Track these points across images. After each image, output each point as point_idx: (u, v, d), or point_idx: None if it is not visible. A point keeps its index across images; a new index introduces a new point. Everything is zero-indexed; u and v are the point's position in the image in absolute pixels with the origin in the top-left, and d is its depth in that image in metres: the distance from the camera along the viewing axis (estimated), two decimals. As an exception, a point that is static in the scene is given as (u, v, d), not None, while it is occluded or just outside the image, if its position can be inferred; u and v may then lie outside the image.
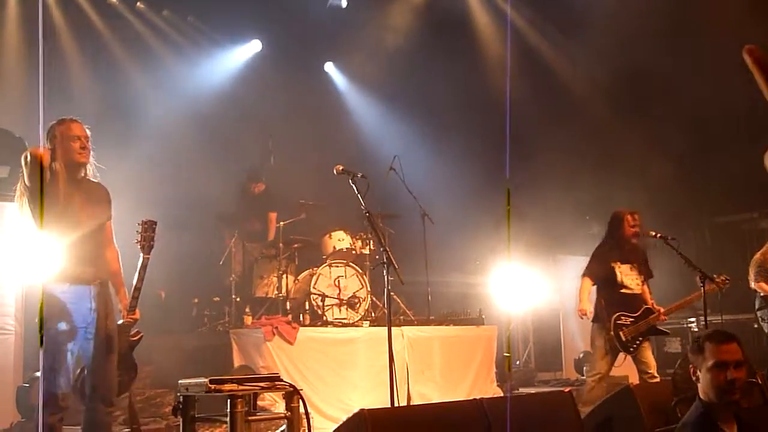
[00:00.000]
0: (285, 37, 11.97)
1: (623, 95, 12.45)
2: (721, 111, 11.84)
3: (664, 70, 11.86)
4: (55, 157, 5.02)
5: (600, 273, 7.95)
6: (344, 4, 12.16)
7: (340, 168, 6.09)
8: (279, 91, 11.97)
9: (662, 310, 7.87)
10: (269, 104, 11.73)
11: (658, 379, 7.75)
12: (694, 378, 3.93)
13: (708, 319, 8.29)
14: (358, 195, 5.97)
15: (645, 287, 8.06)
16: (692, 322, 12.51)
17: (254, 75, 12.07)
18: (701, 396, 3.92)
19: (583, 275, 8.04)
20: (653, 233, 8.50)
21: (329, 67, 12.94)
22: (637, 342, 7.82)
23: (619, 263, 7.92)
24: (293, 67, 12.37)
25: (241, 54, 12.22)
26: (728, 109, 11.76)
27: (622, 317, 7.77)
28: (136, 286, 5.31)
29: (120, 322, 5.32)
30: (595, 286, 8.02)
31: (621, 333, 7.77)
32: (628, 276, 7.92)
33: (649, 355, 7.90)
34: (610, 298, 7.83)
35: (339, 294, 9.15)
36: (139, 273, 5.33)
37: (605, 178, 12.57)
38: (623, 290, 7.87)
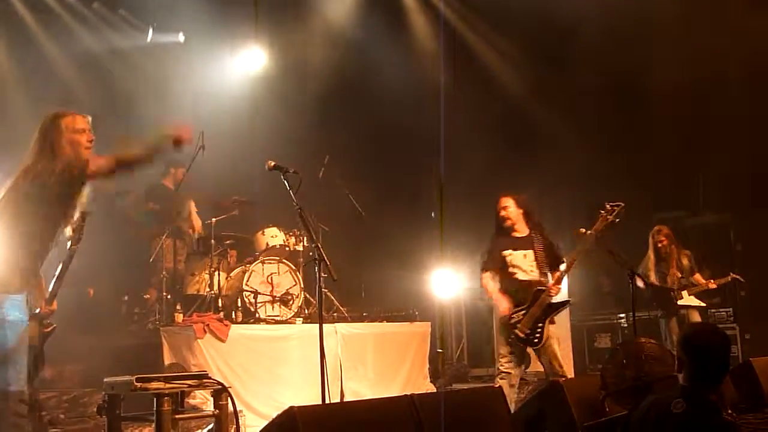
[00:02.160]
0: (212, 29, 11.80)
1: (569, 92, 12.57)
2: (651, 109, 12.07)
3: (610, 66, 12.00)
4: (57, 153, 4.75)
5: (495, 264, 7.56)
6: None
7: (272, 164, 6.03)
8: (209, 85, 11.84)
9: (551, 284, 7.44)
10: (200, 99, 11.58)
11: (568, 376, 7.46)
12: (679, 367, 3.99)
13: (636, 315, 8.42)
14: (290, 191, 5.93)
15: (553, 274, 7.59)
16: (622, 318, 12.74)
17: (184, 68, 11.90)
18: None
19: (482, 270, 7.65)
20: (582, 230, 8.62)
21: (260, 61, 12.80)
22: (539, 331, 7.38)
23: (511, 251, 7.53)
24: (224, 61, 12.27)
25: (171, 47, 12.02)
26: (657, 107, 11.98)
27: (515, 314, 7.36)
28: (57, 275, 5.13)
29: (36, 311, 5.13)
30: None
31: (518, 330, 7.36)
32: (522, 263, 7.51)
33: (555, 351, 7.51)
34: (506, 289, 7.46)
35: (272, 291, 9.09)
36: (63, 263, 5.15)
37: (548, 174, 12.70)
38: (517, 278, 7.46)
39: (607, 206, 7.48)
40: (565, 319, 13.31)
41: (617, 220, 7.56)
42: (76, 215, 4.88)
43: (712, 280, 10.18)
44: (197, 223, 9.94)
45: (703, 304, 10.21)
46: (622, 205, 7.47)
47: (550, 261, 7.58)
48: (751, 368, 8.23)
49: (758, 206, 12.04)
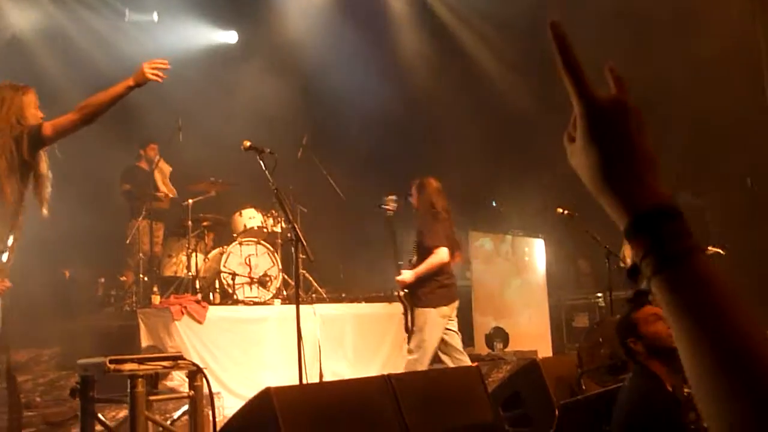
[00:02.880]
0: (187, 8, 11.69)
1: (534, 81, 12.60)
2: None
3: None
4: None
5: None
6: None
7: (248, 144, 5.99)
8: (187, 66, 11.72)
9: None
10: (178, 80, 11.47)
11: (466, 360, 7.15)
12: (636, 348, 3.97)
13: (613, 294, 8.48)
14: (266, 171, 5.89)
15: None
16: (599, 298, 12.82)
17: (159, 48, 11.78)
18: (646, 360, 3.98)
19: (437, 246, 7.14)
20: (560, 210, 8.67)
21: (238, 42, 12.70)
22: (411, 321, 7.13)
23: None
24: (199, 41, 12.17)
25: (146, 26, 11.90)
26: (632, 88, 11.98)
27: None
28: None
29: None
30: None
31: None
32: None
33: (452, 344, 7.19)
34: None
35: (250, 272, 9.06)
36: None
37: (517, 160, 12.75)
38: None
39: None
40: (543, 299, 13.42)
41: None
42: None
43: None
44: (170, 188, 9.92)
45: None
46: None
47: (418, 248, 7.30)
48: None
49: (732, 190, 12.12)
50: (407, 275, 7.11)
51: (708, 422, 0.95)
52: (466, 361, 7.07)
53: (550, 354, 12.27)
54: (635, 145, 1.12)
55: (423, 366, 6.83)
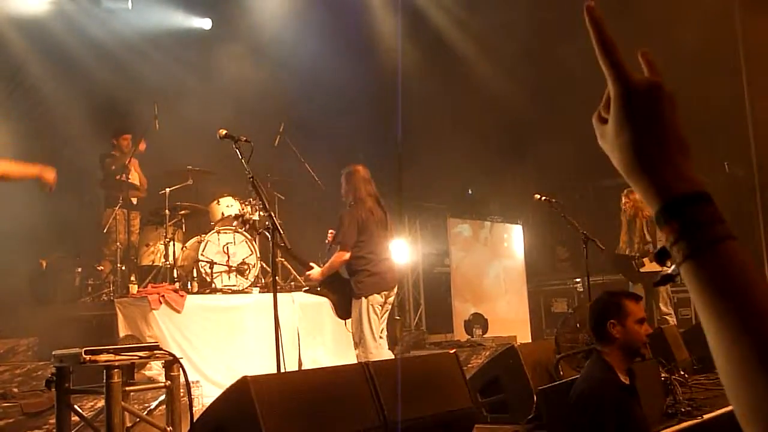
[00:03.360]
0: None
1: (514, 68, 12.62)
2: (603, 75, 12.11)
3: (551, 42, 12.06)
4: None
5: None
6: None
7: (223, 132, 5.95)
8: (162, 54, 11.65)
9: None
10: (154, 68, 11.40)
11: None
12: (613, 331, 4.06)
13: (591, 279, 8.53)
14: (242, 160, 5.87)
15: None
16: (578, 283, 12.90)
17: (137, 37, 11.69)
18: (607, 350, 4.11)
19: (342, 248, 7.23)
20: (538, 196, 8.69)
21: (213, 28, 12.60)
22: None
23: None
24: (175, 28, 12.08)
25: (119, 12, 11.76)
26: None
27: None
28: None
29: None
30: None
31: None
32: None
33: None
34: None
35: (228, 261, 9.03)
36: None
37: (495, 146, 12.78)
38: None
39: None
40: (522, 285, 13.50)
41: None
42: None
43: None
44: (141, 178, 9.89)
45: (668, 270, 10.08)
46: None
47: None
48: (702, 330, 8.40)
49: (708, 171, 12.20)
50: (315, 273, 7.21)
51: (737, 410, 0.95)
52: (385, 349, 7.07)
53: (529, 339, 12.35)
54: (669, 128, 1.12)
55: (372, 355, 6.81)
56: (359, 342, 6.93)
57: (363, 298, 6.98)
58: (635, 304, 4.14)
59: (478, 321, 12.22)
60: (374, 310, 6.98)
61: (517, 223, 14.02)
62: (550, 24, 12.04)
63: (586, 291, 8.78)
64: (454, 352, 5.59)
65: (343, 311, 7.22)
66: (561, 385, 5.14)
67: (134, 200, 9.88)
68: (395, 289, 7.34)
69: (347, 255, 7.06)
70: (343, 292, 7.15)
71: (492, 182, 14.07)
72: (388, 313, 7.27)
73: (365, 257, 7.07)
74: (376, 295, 7.02)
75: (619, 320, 4.06)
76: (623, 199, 10.08)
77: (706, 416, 5.67)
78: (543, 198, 8.68)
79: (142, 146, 9.95)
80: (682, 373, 6.95)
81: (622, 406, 3.93)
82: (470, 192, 13.73)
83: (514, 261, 13.80)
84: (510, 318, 13.13)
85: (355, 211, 7.18)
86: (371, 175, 7.47)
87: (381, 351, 6.94)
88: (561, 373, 6.05)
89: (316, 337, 9.16)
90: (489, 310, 12.71)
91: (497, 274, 13.52)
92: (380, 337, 7.11)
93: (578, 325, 6.32)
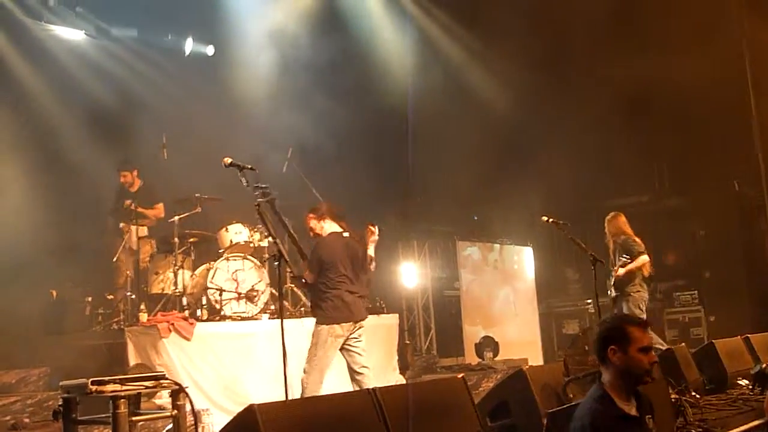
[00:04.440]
0: (164, 22, 11.71)
1: (518, 86, 12.65)
2: (612, 98, 12.16)
3: (557, 60, 12.12)
4: None
5: None
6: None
7: (228, 161, 6.00)
8: (171, 83, 11.74)
9: None
10: (162, 96, 11.49)
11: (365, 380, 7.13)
12: (614, 358, 3.98)
13: (600, 300, 8.50)
14: (247, 187, 5.91)
15: None
16: (589, 304, 12.86)
17: (145, 66, 11.80)
18: (606, 377, 4.03)
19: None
20: (545, 218, 8.69)
21: (217, 55, 12.67)
22: None
23: None
24: (181, 57, 12.18)
25: (126, 42, 11.88)
26: (619, 96, 12.09)
27: None
28: None
29: None
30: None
31: None
32: None
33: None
34: None
35: (237, 287, 9.03)
36: None
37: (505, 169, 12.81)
38: None
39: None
40: (533, 307, 13.46)
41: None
42: None
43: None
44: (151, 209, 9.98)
45: (612, 294, 9.71)
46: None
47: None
48: (714, 350, 8.37)
49: (718, 190, 12.21)
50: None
51: None
52: (366, 382, 7.01)
53: (541, 362, 12.30)
54: None
55: (314, 384, 6.80)
56: (308, 368, 6.89)
57: (323, 326, 6.98)
58: (640, 331, 4.01)
59: (488, 344, 12.20)
60: (332, 341, 6.98)
61: (527, 245, 14.00)
62: (557, 47, 12.10)
63: (597, 312, 8.77)
64: (462, 376, 5.58)
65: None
66: (570, 409, 5.11)
67: (144, 229, 9.94)
68: (361, 325, 7.25)
69: (310, 279, 7.09)
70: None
71: (501, 205, 14.07)
72: (358, 348, 7.19)
73: (332, 288, 7.05)
74: (336, 326, 7.00)
75: (620, 346, 3.96)
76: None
77: (717, 437, 5.62)
78: (550, 220, 8.68)
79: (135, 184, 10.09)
80: (693, 393, 6.91)
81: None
82: (475, 218, 13.72)
83: (524, 283, 13.77)
84: (521, 340, 13.09)
85: (326, 243, 7.23)
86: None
87: (320, 384, 6.87)
88: (570, 396, 6.01)
89: (325, 363, 9.12)
90: (500, 332, 12.68)
91: (507, 296, 13.50)
92: (359, 373, 7.10)
93: (587, 348, 6.28)
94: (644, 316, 9.40)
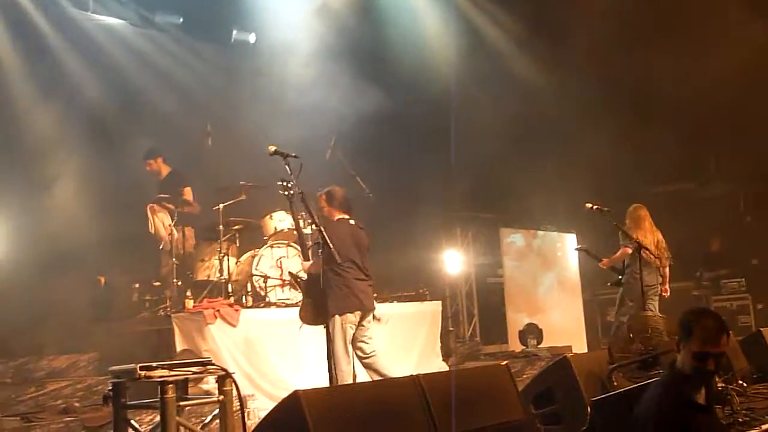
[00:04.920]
0: (208, 11, 11.76)
1: (557, 65, 12.55)
2: (658, 84, 12.02)
3: (602, 45, 11.98)
4: None
5: None
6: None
7: (272, 149, 6.05)
8: (215, 72, 11.82)
9: None
10: (207, 85, 11.58)
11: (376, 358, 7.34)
12: (681, 352, 3.90)
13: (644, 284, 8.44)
14: (291, 175, 5.95)
15: None
16: (634, 291, 12.71)
17: (188, 55, 11.89)
18: (679, 363, 3.93)
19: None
20: (589, 205, 8.64)
21: (264, 45, 12.68)
22: None
23: None
24: (222, 42, 12.23)
25: (175, 35, 11.95)
26: (664, 81, 11.94)
27: None
28: None
29: None
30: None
31: None
32: None
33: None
34: None
35: (281, 274, 9.11)
36: None
37: (544, 153, 12.71)
38: None
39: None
40: (577, 294, 13.37)
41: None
42: None
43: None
44: (195, 206, 10.04)
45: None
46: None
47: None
48: (762, 338, 8.27)
49: (764, 176, 12.01)
50: (305, 265, 7.42)
51: None
52: (379, 362, 7.27)
53: (584, 350, 12.23)
54: None
55: (342, 373, 6.85)
56: (330, 357, 6.90)
57: (337, 316, 7.02)
58: (705, 336, 3.83)
59: (532, 331, 12.16)
60: (347, 327, 7.08)
61: (571, 232, 13.91)
62: (603, 33, 11.96)
63: (642, 300, 8.69)
64: (506, 363, 5.58)
65: (306, 315, 7.22)
66: (614, 396, 5.09)
67: (191, 213, 10.02)
68: (373, 311, 7.41)
69: (315, 269, 7.09)
70: (315, 301, 7.13)
71: (544, 191, 13.98)
72: (364, 337, 7.33)
73: (340, 274, 7.08)
74: (348, 314, 7.07)
75: (686, 343, 3.88)
76: None
77: (764, 426, 5.55)
78: (594, 207, 8.63)
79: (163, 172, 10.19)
80: (740, 382, 6.83)
81: (688, 426, 3.77)
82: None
83: (568, 270, 13.70)
84: (565, 328, 13.03)
85: (335, 228, 7.22)
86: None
87: (350, 368, 6.98)
88: (614, 383, 5.98)
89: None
90: (543, 320, 12.63)
91: (551, 283, 13.44)
92: (368, 355, 7.26)
93: (631, 335, 6.24)
94: (632, 305, 9.45)
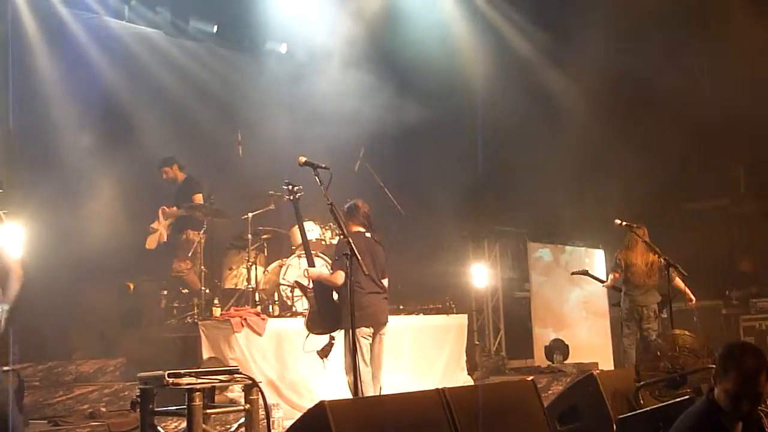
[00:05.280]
0: (240, 21, 11.84)
1: (596, 87, 12.52)
2: (690, 99, 11.94)
3: (632, 61, 11.95)
4: None
5: None
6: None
7: (303, 159, 6.08)
8: (246, 81, 11.89)
9: None
10: (238, 95, 11.66)
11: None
12: (716, 387, 3.73)
13: (673, 305, 8.37)
14: (321, 186, 5.98)
15: None
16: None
17: (220, 64, 11.98)
18: (717, 393, 3.73)
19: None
20: (619, 222, 8.60)
21: (295, 57, 12.74)
22: None
23: None
24: (252, 53, 12.31)
25: (209, 44, 12.05)
26: (696, 97, 11.87)
27: None
28: None
29: None
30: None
31: None
32: None
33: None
34: None
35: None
36: None
37: (573, 168, 12.66)
38: None
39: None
40: (604, 310, 13.28)
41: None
42: None
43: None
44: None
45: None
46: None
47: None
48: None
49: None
50: (312, 271, 7.45)
51: None
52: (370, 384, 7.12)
53: (611, 366, 12.12)
54: None
55: (365, 384, 6.79)
56: (348, 371, 6.89)
57: (351, 330, 6.91)
58: (742, 376, 3.61)
59: (558, 347, 12.10)
60: (362, 339, 7.06)
61: (599, 248, 13.84)
62: (634, 49, 11.93)
63: (669, 317, 8.63)
64: (532, 379, 5.56)
65: (312, 324, 7.22)
66: (641, 415, 5.05)
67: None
68: (385, 325, 7.34)
69: (341, 280, 7.01)
70: (324, 310, 7.17)
71: (573, 207, 13.93)
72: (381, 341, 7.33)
73: (356, 288, 6.90)
74: (363, 328, 7.04)
75: (717, 375, 3.72)
76: None
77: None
78: (624, 223, 8.59)
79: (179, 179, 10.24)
80: (769, 404, 6.74)
81: None
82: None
83: (595, 286, 13.58)
84: (592, 344, 12.94)
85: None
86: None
87: (369, 377, 6.97)
88: (641, 401, 5.93)
89: (395, 361, 9.14)
90: (570, 335, 12.56)
91: (578, 299, 13.36)
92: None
93: (659, 353, 6.19)
94: (628, 331, 9.60)
